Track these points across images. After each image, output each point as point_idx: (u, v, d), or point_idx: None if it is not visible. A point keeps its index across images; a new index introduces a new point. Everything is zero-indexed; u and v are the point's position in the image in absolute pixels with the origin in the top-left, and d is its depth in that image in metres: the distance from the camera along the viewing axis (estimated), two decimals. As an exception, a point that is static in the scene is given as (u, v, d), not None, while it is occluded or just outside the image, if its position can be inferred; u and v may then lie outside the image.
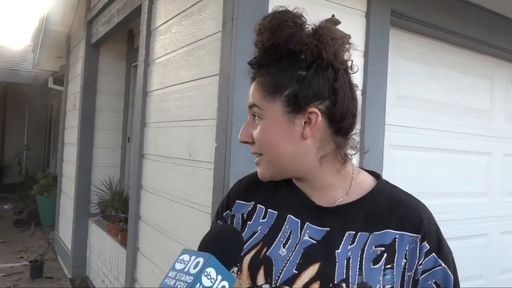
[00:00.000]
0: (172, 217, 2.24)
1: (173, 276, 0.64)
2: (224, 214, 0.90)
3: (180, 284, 0.62)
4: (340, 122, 0.75)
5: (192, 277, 0.62)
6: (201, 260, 0.64)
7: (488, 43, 2.68)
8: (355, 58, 2.24)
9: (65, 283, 4.34)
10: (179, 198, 2.18)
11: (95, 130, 4.32)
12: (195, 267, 0.63)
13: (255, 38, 0.76)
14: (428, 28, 2.40)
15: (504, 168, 3.00)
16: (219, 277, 0.63)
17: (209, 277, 0.62)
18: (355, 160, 2.00)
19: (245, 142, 0.80)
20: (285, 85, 0.73)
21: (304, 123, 0.74)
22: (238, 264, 0.79)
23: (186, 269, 0.64)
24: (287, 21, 0.72)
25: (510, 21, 2.70)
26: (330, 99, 0.74)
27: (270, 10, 1.71)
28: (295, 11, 0.74)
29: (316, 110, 0.73)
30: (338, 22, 1.88)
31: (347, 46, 0.75)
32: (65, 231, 4.79)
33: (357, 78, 2.27)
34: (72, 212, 4.31)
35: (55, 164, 7.44)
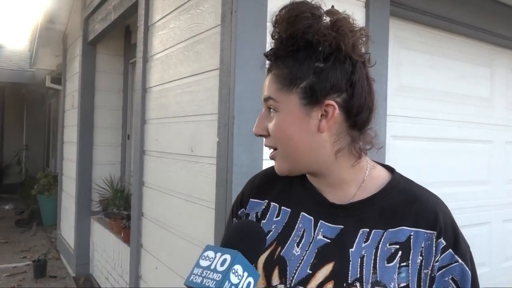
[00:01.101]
0: (175, 213, 2.24)
1: (199, 274, 0.64)
2: (239, 212, 0.89)
3: (209, 282, 0.62)
4: (357, 115, 0.74)
5: (220, 275, 0.62)
6: (228, 257, 0.63)
7: (488, 31, 2.67)
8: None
9: (69, 282, 4.35)
10: (181, 194, 2.17)
11: (95, 128, 4.31)
12: (222, 264, 0.63)
13: (272, 29, 0.74)
14: (428, 17, 2.39)
15: (505, 156, 3.01)
16: (245, 274, 0.63)
17: (236, 274, 0.62)
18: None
19: (260, 136, 0.80)
20: (302, 77, 0.72)
21: (321, 116, 0.73)
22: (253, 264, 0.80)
23: (212, 266, 0.63)
24: (305, 12, 0.70)
25: (510, 8, 2.68)
26: (348, 92, 0.72)
27: (269, 2, 1.71)
28: (313, 2, 0.73)
29: (333, 103, 0.72)
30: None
31: (364, 39, 0.74)
32: (68, 230, 4.80)
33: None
34: (74, 211, 4.30)
35: (55, 163, 7.43)
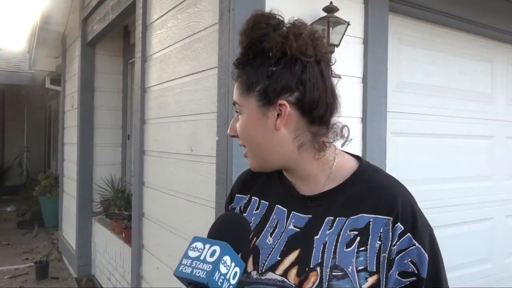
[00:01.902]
0: (176, 213, 2.23)
1: (188, 264, 0.66)
2: (229, 207, 0.97)
3: (199, 272, 0.64)
4: (311, 111, 0.79)
5: (210, 265, 0.64)
6: (217, 248, 0.66)
7: (488, 26, 2.65)
8: (354, 45, 2.21)
9: (71, 283, 4.35)
10: (182, 193, 2.16)
11: (95, 129, 4.31)
12: (212, 255, 0.65)
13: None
14: (427, 12, 2.37)
15: (507, 151, 3.00)
16: (233, 264, 0.66)
17: (225, 264, 0.65)
18: (357, 149, 1.99)
19: (233, 136, 0.87)
20: (257, 82, 0.79)
21: (277, 115, 0.79)
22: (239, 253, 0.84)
23: (202, 257, 0.66)
24: (260, 22, 0.78)
25: (510, 2, 2.67)
26: (299, 91, 0.78)
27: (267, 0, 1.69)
28: (271, 11, 0.80)
29: (285, 102, 0.78)
30: (336, 9, 1.85)
31: (316, 41, 0.78)
32: (69, 231, 4.80)
33: (356, 65, 2.25)
34: (75, 212, 4.30)
35: (56, 164, 7.44)
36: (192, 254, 0.67)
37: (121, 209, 3.83)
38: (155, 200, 2.53)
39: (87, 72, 4.25)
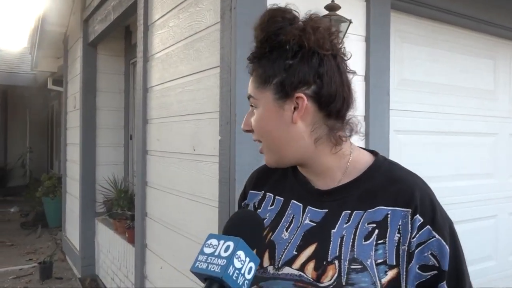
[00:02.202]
0: (179, 213, 2.23)
1: (203, 260, 0.68)
2: (243, 204, 0.98)
3: (214, 267, 0.66)
4: (329, 105, 0.79)
5: (225, 260, 0.66)
6: (231, 244, 0.67)
7: (490, 23, 2.64)
8: (357, 43, 2.21)
9: (75, 283, 4.36)
10: (185, 193, 2.16)
11: (97, 129, 4.31)
12: (226, 251, 0.67)
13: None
14: (429, 10, 2.36)
15: (510, 148, 2.98)
16: (247, 259, 0.67)
17: (239, 259, 0.66)
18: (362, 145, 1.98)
19: (247, 131, 0.87)
20: (274, 75, 0.79)
21: (294, 108, 0.79)
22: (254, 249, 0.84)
23: (216, 253, 0.67)
24: (276, 16, 0.78)
25: (512, -1, 2.66)
26: (317, 84, 0.78)
27: (268, -1, 1.69)
28: (286, 7, 0.80)
29: (302, 95, 0.78)
30: (338, 7, 1.84)
31: (332, 36, 0.79)
32: (73, 231, 4.81)
33: (359, 63, 2.24)
34: (78, 212, 4.31)
35: (59, 165, 7.45)
36: (207, 250, 0.68)
37: (124, 209, 3.83)
38: (158, 200, 2.53)
39: (89, 72, 4.25)
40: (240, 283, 0.66)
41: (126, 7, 3.03)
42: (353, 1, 2.03)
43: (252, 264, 0.68)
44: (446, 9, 2.40)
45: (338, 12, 1.84)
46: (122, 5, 3.12)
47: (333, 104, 0.79)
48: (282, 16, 0.78)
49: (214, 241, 0.69)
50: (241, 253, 0.67)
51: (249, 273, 0.67)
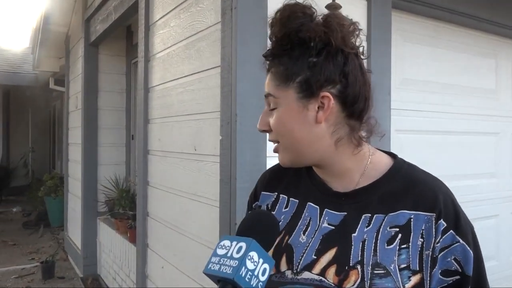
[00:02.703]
0: (180, 212, 2.23)
1: (216, 262, 0.67)
2: (254, 205, 0.94)
3: (226, 268, 0.65)
4: (353, 105, 0.77)
5: (237, 261, 0.64)
6: (243, 245, 0.66)
7: (492, 21, 2.63)
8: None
9: (77, 283, 4.37)
10: (186, 193, 2.17)
11: (99, 129, 4.32)
12: (238, 252, 0.66)
13: (269, 32, 0.79)
14: (431, 9, 2.36)
15: (512, 148, 2.98)
16: (261, 260, 0.66)
17: (252, 260, 0.65)
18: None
19: (264, 131, 0.84)
20: (297, 73, 0.76)
21: (318, 107, 0.76)
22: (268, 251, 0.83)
23: (229, 254, 0.66)
24: (296, 12, 0.75)
25: (514, -2, 2.65)
26: (342, 83, 0.75)
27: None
28: (304, 2, 0.77)
29: (328, 94, 0.75)
30: (339, 7, 1.84)
31: (356, 32, 0.77)
32: (74, 231, 4.82)
33: (361, 63, 2.21)
34: (80, 212, 4.32)
35: (61, 164, 7.46)
36: (220, 251, 0.68)
37: (125, 209, 3.84)
38: (159, 200, 2.53)
39: (91, 72, 4.26)
40: (254, 285, 0.64)
41: (127, 7, 3.04)
42: (354, 0, 2.03)
43: (266, 266, 0.66)
44: (447, 8, 2.40)
45: (339, 11, 1.84)
46: (123, 5, 3.12)
47: (356, 105, 0.77)
48: (303, 11, 0.75)
49: (227, 242, 0.68)
50: (253, 254, 0.65)
51: (263, 274, 0.66)
